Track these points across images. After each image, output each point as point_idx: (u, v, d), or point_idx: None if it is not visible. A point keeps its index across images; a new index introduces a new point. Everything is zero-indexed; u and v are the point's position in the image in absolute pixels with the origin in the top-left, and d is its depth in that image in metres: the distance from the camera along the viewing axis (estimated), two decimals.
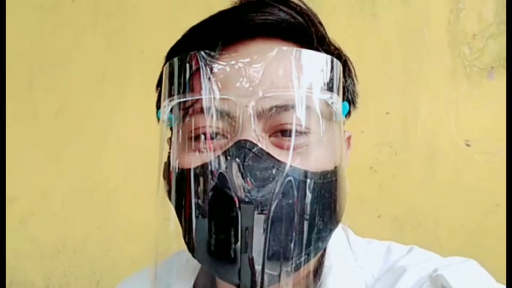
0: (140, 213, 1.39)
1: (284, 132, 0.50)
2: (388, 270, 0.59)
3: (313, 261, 0.53)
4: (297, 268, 0.49)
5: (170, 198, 0.54)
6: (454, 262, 0.58)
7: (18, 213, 1.47)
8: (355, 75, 0.63)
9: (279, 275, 0.47)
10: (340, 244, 0.60)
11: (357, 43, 1.28)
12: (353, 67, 0.63)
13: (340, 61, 0.55)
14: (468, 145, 1.20)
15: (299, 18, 0.55)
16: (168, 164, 0.56)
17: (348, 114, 0.61)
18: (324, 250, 0.58)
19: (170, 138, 0.58)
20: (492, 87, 1.20)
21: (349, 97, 0.61)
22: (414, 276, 0.56)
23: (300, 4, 0.57)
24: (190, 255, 0.51)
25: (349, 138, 0.65)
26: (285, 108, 0.50)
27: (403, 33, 1.28)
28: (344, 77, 0.58)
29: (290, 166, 0.48)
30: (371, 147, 1.26)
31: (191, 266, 0.61)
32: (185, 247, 0.51)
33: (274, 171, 0.47)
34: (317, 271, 0.58)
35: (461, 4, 1.24)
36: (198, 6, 1.41)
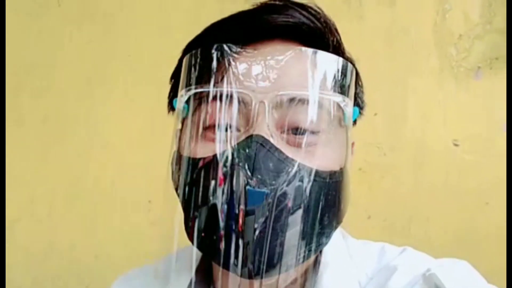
0: (128, 218, 1.39)
1: (296, 130, 0.51)
2: (381, 269, 0.60)
3: (311, 257, 0.54)
4: (298, 262, 0.50)
5: (177, 188, 0.55)
6: (447, 262, 0.59)
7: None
8: (362, 85, 0.65)
9: (280, 268, 0.48)
10: (336, 242, 0.61)
11: (344, 44, 1.28)
12: (360, 77, 0.64)
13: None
14: (456, 145, 1.20)
15: (318, 24, 0.57)
16: (178, 153, 0.57)
17: (355, 121, 0.63)
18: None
19: (181, 129, 0.59)
20: (479, 87, 1.21)
21: (359, 103, 0.63)
22: (407, 275, 0.56)
23: (319, 10, 0.59)
24: (189, 251, 0.53)
25: (352, 144, 0.66)
26: (299, 106, 0.51)
27: (390, 34, 1.28)
28: (356, 84, 0.60)
29: (300, 163, 0.49)
30: (360, 148, 1.25)
31: (189, 261, 0.61)
32: (188, 244, 0.52)
33: (283, 167, 0.48)
34: (314, 267, 0.59)
35: (447, 5, 1.25)
36: (185, 11, 1.40)
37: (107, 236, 1.40)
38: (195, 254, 0.54)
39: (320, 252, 0.59)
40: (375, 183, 1.25)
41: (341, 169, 0.54)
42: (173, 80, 0.64)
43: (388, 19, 1.29)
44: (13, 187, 1.44)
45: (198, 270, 0.64)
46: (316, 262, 0.59)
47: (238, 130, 0.51)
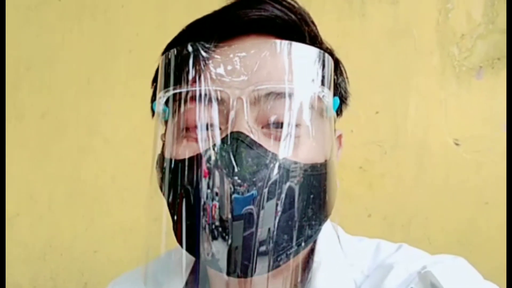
0: (127, 214, 1.38)
1: (276, 124, 0.51)
2: (377, 267, 0.59)
3: (302, 256, 0.54)
4: (288, 257, 0.49)
5: (162, 189, 0.54)
6: (443, 259, 0.59)
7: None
8: (346, 76, 0.64)
9: (269, 265, 0.48)
10: (329, 241, 0.60)
11: (346, 42, 1.28)
12: (344, 68, 0.64)
13: (332, 59, 0.56)
14: (457, 144, 1.20)
15: (293, 16, 0.56)
16: (161, 155, 0.57)
17: (339, 111, 0.63)
18: (314, 246, 0.59)
19: (164, 132, 0.59)
20: (480, 87, 1.21)
21: (342, 93, 0.62)
22: (403, 273, 0.56)
23: (293, 3, 0.58)
24: (181, 253, 0.52)
25: (340, 136, 0.66)
26: (277, 99, 0.51)
27: (392, 33, 1.28)
28: (336, 74, 0.60)
29: (281, 157, 0.49)
30: (361, 146, 1.26)
31: (183, 264, 0.61)
32: (176, 245, 0.51)
33: (265, 161, 0.48)
34: (307, 266, 0.58)
35: (450, 4, 1.25)
36: (186, 6, 1.40)
37: (106, 232, 1.40)
38: (184, 257, 0.54)
39: (313, 251, 0.59)
40: (376, 182, 1.25)
41: (325, 161, 0.53)
42: (154, 84, 0.63)
43: (390, 17, 1.28)
44: (12, 183, 1.44)
45: (192, 271, 0.64)
46: (309, 262, 0.59)
47: (219, 128, 0.51)
